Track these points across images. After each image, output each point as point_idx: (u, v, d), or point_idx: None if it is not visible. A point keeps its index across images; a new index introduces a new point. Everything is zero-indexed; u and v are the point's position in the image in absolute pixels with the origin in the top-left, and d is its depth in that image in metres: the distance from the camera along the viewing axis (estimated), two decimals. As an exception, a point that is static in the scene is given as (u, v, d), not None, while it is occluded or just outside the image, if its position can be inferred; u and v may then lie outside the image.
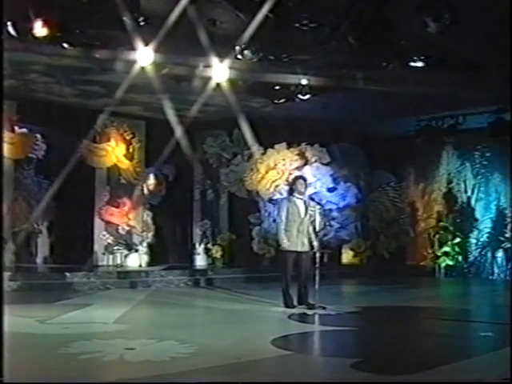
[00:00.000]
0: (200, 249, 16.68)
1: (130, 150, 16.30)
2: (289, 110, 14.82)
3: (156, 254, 16.31)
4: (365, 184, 18.29)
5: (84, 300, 10.78)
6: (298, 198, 10.17)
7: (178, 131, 15.40)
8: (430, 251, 17.45)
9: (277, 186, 16.62)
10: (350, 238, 17.78)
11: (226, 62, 11.77)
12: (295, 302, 10.04)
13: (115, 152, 15.96)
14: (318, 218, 10.27)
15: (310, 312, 9.60)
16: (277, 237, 10.32)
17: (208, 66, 11.98)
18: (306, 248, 10.08)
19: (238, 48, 10.86)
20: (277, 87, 13.31)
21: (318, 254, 10.08)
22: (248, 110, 15.09)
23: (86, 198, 15.63)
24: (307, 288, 10.03)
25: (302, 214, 10.10)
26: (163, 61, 11.65)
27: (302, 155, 16.99)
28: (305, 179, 10.56)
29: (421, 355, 6.56)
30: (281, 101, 13.76)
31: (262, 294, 11.56)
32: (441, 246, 17.19)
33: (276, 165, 16.77)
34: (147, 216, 17.23)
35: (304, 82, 12.74)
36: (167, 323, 8.59)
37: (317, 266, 9.95)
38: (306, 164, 16.96)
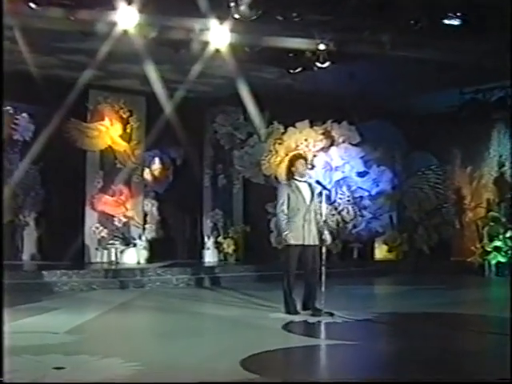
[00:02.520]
0: (210, 243, 15.93)
1: (128, 130, 15.55)
2: (309, 81, 14.04)
3: (160, 250, 15.67)
4: (401, 168, 17.71)
5: (53, 303, 10.11)
6: (299, 181, 9.24)
7: (184, 108, 14.83)
8: (479, 246, 16.47)
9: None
10: (383, 230, 17.19)
11: (226, 24, 11.07)
12: (299, 307, 9.21)
13: (110, 132, 15.23)
14: (324, 206, 9.30)
15: (312, 320, 8.73)
16: (278, 230, 9.40)
17: (205, 28, 11.29)
18: (313, 241, 9.19)
19: (232, 4, 10.08)
20: (290, 54, 12.53)
21: (324, 249, 9.14)
22: (261, 81, 14.46)
23: (76, 185, 14.93)
24: (314, 290, 9.16)
25: (308, 200, 9.19)
26: (149, 23, 10.98)
27: (327, 134, 16.51)
28: (306, 159, 9.62)
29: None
30: (297, 70, 13.02)
31: (268, 295, 10.75)
32: (491, 240, 16.21)
33: (298, 146, 16.23)
34: (152, 206, 16.68)
35: (321, 47, 11.93)
36: (131, 334, 7.87)
37: (323, 262, 9.04)
38: (332, 145, 16.54)
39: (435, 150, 17.77)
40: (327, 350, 7.05)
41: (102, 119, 15.23)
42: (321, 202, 9.28)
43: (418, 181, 17.96)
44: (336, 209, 16.39)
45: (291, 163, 9.37)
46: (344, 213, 16.44)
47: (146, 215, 16.45)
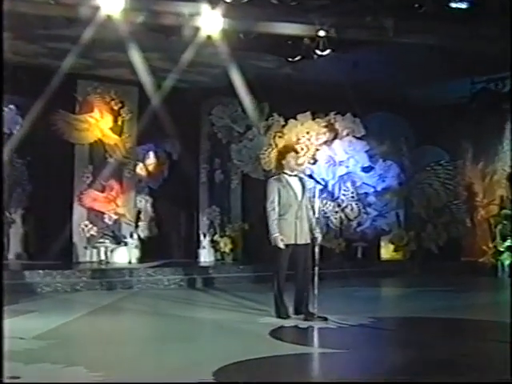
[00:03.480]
0: (205, 242, 15.63)
1: (119, 123, 15.25)
2: (310, 70, 13.76)
3: (153, 248, 15.48)
4: (409, 162, 17.41)
5: (30, 306, 9.87)
6: (290, 175, 8.91)
7: (179, 99, 14.68)
8: (491, 245, 16.22)
9: (300, 165, 15.34)
10: (389, 229, 16.93)
11: (218, 9, 10.78)
12: (291, 311, 8.92)
13: (100, 125, 14.94)
14: (317, 202, 8.98)
15: (303, 325, 8.40)
16: (269, 229, 9.03)
17: (195, 13, 10.99)
18: (305, 239, 8.88)
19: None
20: (288, 41, 12.23)
21: (317, 248, 8.81)
22: (259, 71, 14.13)
23: (63, 180, 14.65)
24: (307, 292, 8.85)
25: (300, 196, 8.89)
26: (136, 7, 10.71)
27: (330, 127, 16.25)
28: (297, 151, 9.35)
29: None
30: (296, 58, 12.72)
31: (262, 298, 10.42)
32: (504, 240, 15.88)
33: (299, 139, 15.96)
34: (146, 202, 16.51)
35: (321, 33, 11.62)
36: (105, 339, 7.57)
37: (316, 262, 8.72)
38: (335, 138, 16.25)
39: (445, 144, 17.39)
40: (313, 359, 6.71)
41: (92, 111, 14.94)
42: (313, 197, 8.96)
43: (426, 176, 17.62)
44: (339, 206, 16.15)
45: (282, 156, 9.05)
46: (348, 210, 16.18)
47: (139, 212, 16.31)
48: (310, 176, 9.23)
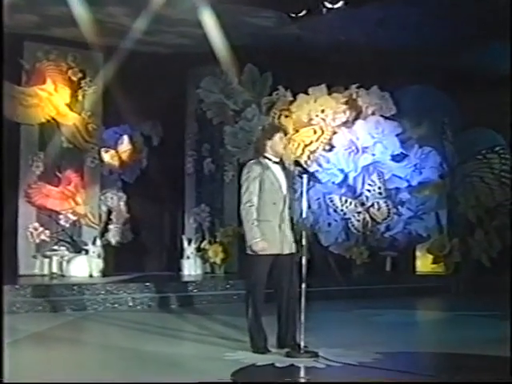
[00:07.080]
0: (190, 250, 15.10)
1: (79, 97, 14.90)
2: (322, 30, 13.51)
3: (127, 258, 15.13)
4: (454, 149, 16.86)
5: None
6: (273, 161, 8.07)
7: (159, 68, 14.51)
8: (559, 257, 15.80)
9: (312, 152, 15.37)
10: (427, 234, 16.38)
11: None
12: (273, 343, 8.05)
13: (53, 100, 14.57)
14: (305, 198, 8.11)
15: (282, 363, 7.49)
16: (245, 233, 8.17)
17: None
18: (289, 248, 8.08)
19: None
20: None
21: (304, 259, 7.96)
22: (257, 31, 13.90)
23: (6, 170, 13.95)
24: (294, 317, 8.00)
25: (285, 189, 8.06)
26: None
27: (351, 104, 15.81)
28: (286, 132, 8.65)
29: None
30: (300, 14, 12.56)
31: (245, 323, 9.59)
32: None
33: (311, 119, 15.60)
34: (118, 200, 16.35)
35: (330, -21, 11.42)
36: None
37: (303, 278, 7.87)
38: (358, 118, 15.79)
39: (501, 126, 16.66)
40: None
41: (43, 82, 14.60)
42: (300, 192, 8.11)
43: (476, 167, 17.22)
44: (363, 204, 15.56)
45: (268, 135, 8.21)
46: (374, 210, 15.60)
47: (110, 212, 16.08)
48: (297, 163, 8.37)
